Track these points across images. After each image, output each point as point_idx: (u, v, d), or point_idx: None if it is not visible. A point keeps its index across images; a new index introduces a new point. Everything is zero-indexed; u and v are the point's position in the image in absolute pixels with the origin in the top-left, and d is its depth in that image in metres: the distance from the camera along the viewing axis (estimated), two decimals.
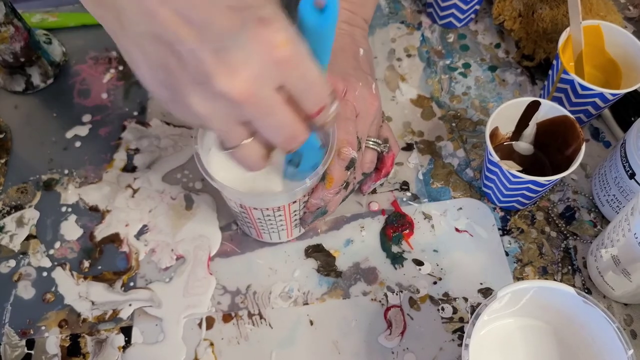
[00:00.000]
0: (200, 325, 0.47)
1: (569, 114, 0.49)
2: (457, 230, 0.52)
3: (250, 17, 0.28)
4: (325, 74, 0.34)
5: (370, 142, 0.48)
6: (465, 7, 0.62)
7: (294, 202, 0.43)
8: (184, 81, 0.30)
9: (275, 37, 0.29)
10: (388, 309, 0.48)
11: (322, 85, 0.32)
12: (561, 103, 0.53)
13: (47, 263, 0.50)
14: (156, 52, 0.29)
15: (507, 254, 0.50)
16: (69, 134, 0.58)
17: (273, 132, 0.33)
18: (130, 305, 0.48)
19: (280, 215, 0.44)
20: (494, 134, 0.52)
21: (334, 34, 0.32)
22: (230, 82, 0.29)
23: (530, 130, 0.52)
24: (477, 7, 0.63)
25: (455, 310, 0.48)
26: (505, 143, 0.54)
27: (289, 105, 0.32)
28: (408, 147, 0.56)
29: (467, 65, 0.62)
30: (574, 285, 0.46)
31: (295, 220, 0.47)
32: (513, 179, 0.47)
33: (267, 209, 0.43)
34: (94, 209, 0.53)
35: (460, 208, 0.53)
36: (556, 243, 0.51)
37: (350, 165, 0.44)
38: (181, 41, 0.28)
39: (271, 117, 0.31)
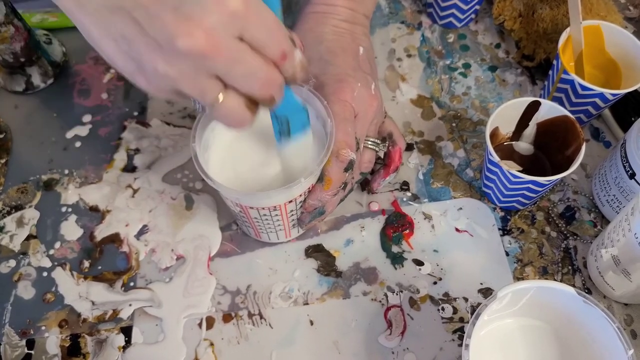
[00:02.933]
0: (200, 325, 0.47)
1: (569, 114, 0.49)
2: (457, 230, 0.52)
3: None
4: (281, 20, 0.34)
5: (369, 142, 0.48)
6: (465, 7, 0.62)
7: (290, 201, 0.43)
8: (147, 48, 0.30)
9: None
10: (388, 309, 0.48)
11: (279, 30, 0.33)
12: (561, 103, 0.53)
13: (47, 263, 0.50)
14: (116, 23, 0.30)
15: (507, 254, 0.50)
16: (69, 134, 0.58)
17: (247, 80, 0.33)
18: (130, 305, 0.48)
19: (277, 214, 0.44)
20: (494, 134, 0.52)
21: None
22: (192, 37, 0.29)
23: (531, 130, 0.52)
24: (477, 7, 0.63)
25: (455, 310, 0.48)
26: (505, 143, 0.54)
27: (255, 51, 0.32)
28: (408, 147, 0.56)
29: (467, 66, 0.62)
30: (574, 285, 0.46)
31: (293, 220, 0.47)
32: (513, 179, 0.47)
33: (263, 208, 0.43)
34: (94, 209, 0.53)
35: (461, 208, 0.53)
36: (556, 243, 0.51)
37: (349, 166, 0.44)
38: (140, 5, 0.29)
39: (240, 65, 0.32)
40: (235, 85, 0.33)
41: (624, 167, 0.47)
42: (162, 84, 0.32)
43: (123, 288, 0.49)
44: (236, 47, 0.31)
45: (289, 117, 0.40)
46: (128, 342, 0.47)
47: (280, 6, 0.35)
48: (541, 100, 0.50)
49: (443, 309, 0.48)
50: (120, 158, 0.56)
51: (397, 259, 0.50)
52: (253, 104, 0.35)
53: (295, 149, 0.42)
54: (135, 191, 0.54)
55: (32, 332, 0.47)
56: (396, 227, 0.52)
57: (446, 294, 0.48)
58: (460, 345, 0.46)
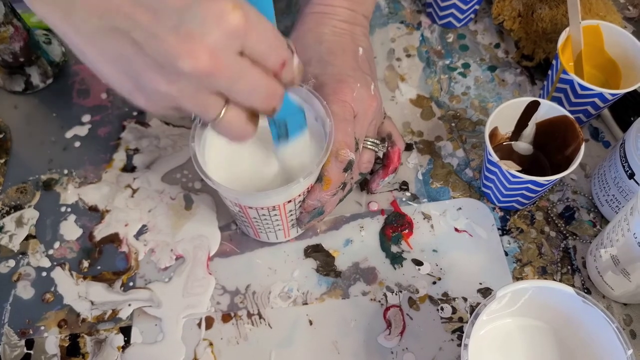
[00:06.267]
0: (199, 325, 0.47)
1: (568, 113, 0.49)
2: (456, 230, 0.52)
3: None
4: (275, 25, 0.34)
5: (369, 143, 0.48)
6: (464, 7, 0.62)
7: (289, 201, 0.43)
8: (147, 67, 0.30)
9: (225, 7, 0.29)
10: (387, 308, 0.48)
11: (278, 40, 0.33)
12: (560, 103, 0.53)
13: (46, 263, 0.50)
14: (112, 44, 0.30)
15: (506, 254, 0.50)
16: (69, 134, 0.58)
17: (249, 95, 0.33)
18: (129, 305, 0.48)
19: (275, 214, 0.44)
20: (493, 134, 0.52)
21: None
22: (194, 58, 0.29)
23: (530, 130, 0.52)
24: (476, 7, 0.63)
25: (454, 310, 0.48)
26: (504, 143, 0.54)
27: (255, 65, 0.32)
28: (408, 147, 0.56)
29: (466, 65, 0.62)
30: (573, 285, 0.46)
31: (292, 220, 0.47)
32: (512, 179, 0.47)
33: (262, 208, 0.43)
34: (94, 209, 0.53)
35: (460, 208, 0.53)
36: (555, 243, 0.51)
37: (348, 167, 0.44)
38: (138, 26, 0.28)
39: (243, 81, 0.32)
40: (237, 100, 0.33)
41: (623, 167, 0.47)
42: (163, 103, 0.32)
43: (122, 288, 0.49)
44: (238, 64, 0.31)
45: (287, 120, 0.40)
46: (127, 342, 0.47)
47: (274, 12, 0.34)
48: (540, 100, 0.50)
49: (442, 308, 0.48)
50: (120, 158, 0.56)
51: (396, 259, 0.50)
52: (254, 115, 0.35)
53: (292, 149, 0.42)
54: (134, 191, 0.54)
55: (31, 332, 0.47)
56: (395, 227, 0.52)
57: (445, 294, 0.48)
58: (460, 345, 0.46)
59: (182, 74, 0.30)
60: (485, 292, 0.49)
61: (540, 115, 0.51)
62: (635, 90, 0.54)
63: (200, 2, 0.29)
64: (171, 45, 0.29)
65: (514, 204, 0.51)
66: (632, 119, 0.55)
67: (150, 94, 0.31)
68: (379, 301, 0.48)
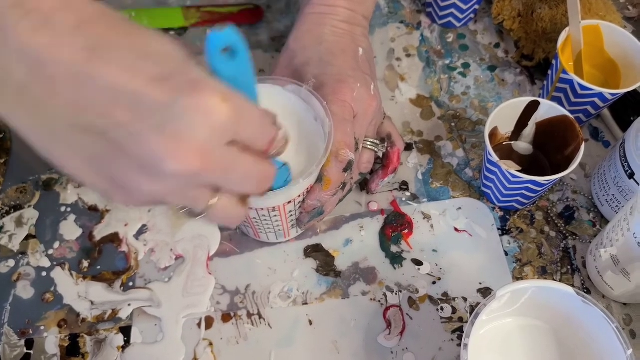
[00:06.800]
0: (199, 325, 0.47)
1: (568, 113, 0.49)
2: (456, 230, 0.52)
3: (181, 83, 0.27)
4: (258, 104, 0.32)
5: (368, 143, 0.48)
6: (464, 7, 0.62)
7: (289, 202, 0.43)
8: (127, 168, 0.28)
9: (213, 102, 0.27)
10: (387, 308, 0.48)
11: (265, 121, 0.31)
12: (560, 103, 0.53)
13: (46, 263, 0.50)
14: (87, 143, 0.27)
15: (506, 254, 0.50)
16: None
17: (242, 184, 0.31)
18: (129, 305, 0.48)
19: (275, 215, 0.44)
20: (493, 133, 0.52)
21: (252, 70, 0.31)
22: (181, 159, 0.27)
23: (530, 130, 0.52)
24: (476, 7, 0.63)
25: (454, 310, 0.48)
26: (504, 143, 0.54)
27: (245, 152, 0.30)
28: (407, 147, 0.56)
29: (466, 65, 0.62)
30: (573, 285, 0.46)
31: (292, 220, 0.47)
32: (512, 179, 0.47)
33: (262, 208, 0.43)
34: (93, 209, 0.53)
35: (460, 208, 0.53)
36: (555, 243, 0.51)
37: (348, 167, 0.44)
38: (117, 125, 0.26)
39: (234, 172, 0.30)
40: (229, 190, 0.31)
41: (623, 166, 0.47)
42: (145, 200, 0.30)
43: (122, 288, 0.49)
44: (228, 157, 0.29)
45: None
46: (127, 342, 0.47)
47: (256, 86, 0.32)
48: (540, 100, 0.50)
49: (442, 308, 0.48)
50: None
51: (396, 259, 0.50)
52: (245, 196, 0.33)
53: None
54: None
55: (31, 332, 0.47)
56: (395, 227, 0.52)
57: (445, 294, 0.48)
58: (459, 345, 0.46)
59: (168, 174, 0.27)
60: (485, 292, 0.49)
61: (540, 115, 0.51)
62: (635, 90, 0.54)
63: (184, 96, 0.26)
64: (155, 145, 0.26)
65: (513, 203, 0.51)
66: (632, 118, 0.55)
67: (130, 192, 0.29)
68: (379, 301, 0.48)
